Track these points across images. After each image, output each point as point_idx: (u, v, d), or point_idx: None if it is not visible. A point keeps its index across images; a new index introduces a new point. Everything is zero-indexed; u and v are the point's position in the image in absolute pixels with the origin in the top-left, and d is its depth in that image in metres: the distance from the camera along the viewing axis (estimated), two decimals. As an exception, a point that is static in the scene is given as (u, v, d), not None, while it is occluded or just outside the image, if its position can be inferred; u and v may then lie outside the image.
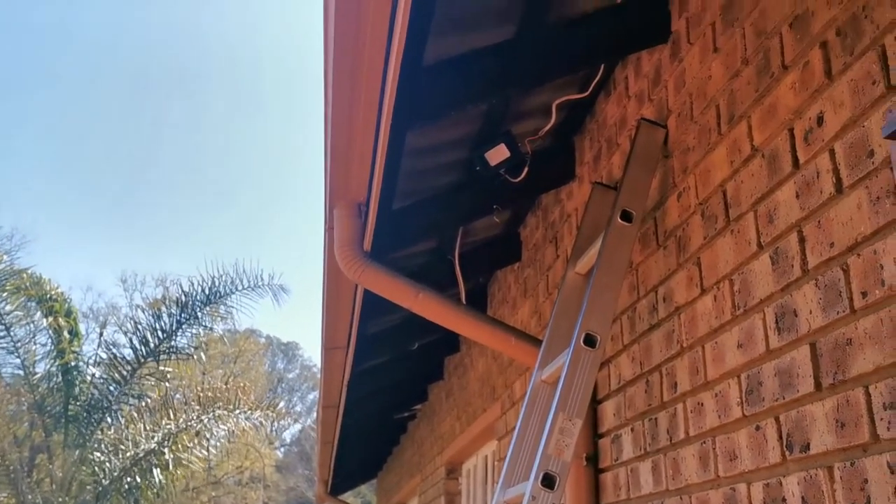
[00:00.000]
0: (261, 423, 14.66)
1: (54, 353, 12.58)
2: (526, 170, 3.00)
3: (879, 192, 1.37)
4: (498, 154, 2.87)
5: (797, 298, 1.60)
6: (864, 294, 1.39)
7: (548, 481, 1.94)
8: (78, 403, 12.58)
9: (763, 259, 1.75)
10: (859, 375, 1.39)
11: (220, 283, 12.62)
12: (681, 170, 2.23)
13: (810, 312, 1.55)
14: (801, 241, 1.60)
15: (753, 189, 1.81)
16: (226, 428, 13.96)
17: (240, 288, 12.74)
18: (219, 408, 13.57)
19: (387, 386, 6.25)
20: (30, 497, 12.12)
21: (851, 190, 1.45)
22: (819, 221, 1.55)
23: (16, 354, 12.60)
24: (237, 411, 13.85)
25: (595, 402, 2.79)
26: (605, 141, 2.85)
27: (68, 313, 13.10)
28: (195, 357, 13.98)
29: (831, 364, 1.48)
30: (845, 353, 1.44)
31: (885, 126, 1.12)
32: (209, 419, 13.38)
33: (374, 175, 2.46)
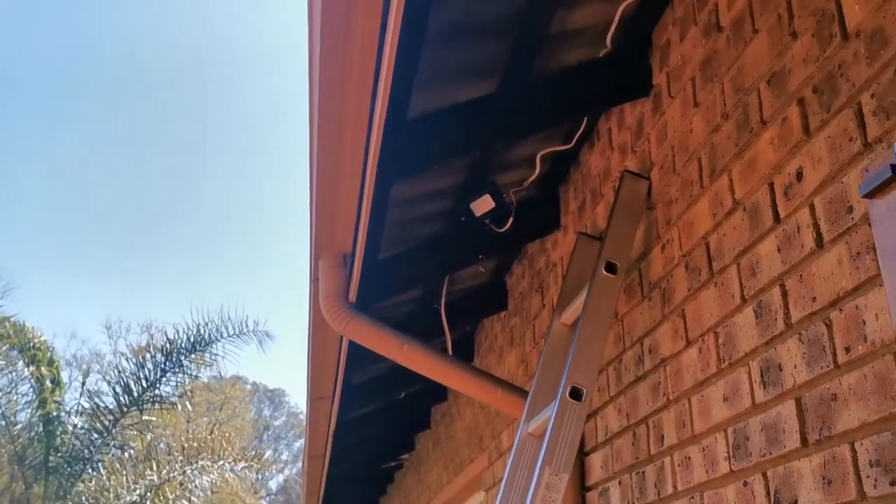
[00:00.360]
0: (245, 473, 14.43)
1: (36, 403, 12.38)
2: (511, 220, 3.01)
3: (860, 248, 1.37)
4: (483, 205, 2.88)
5: (781, 352, 1.60)
6: (847, 349, 1.39)
7: (534, 539, 1.90)
8: (59, 454, 12.35)
9: (747, 312, 1.75)
10: (845, 432, 1.39)
11: (205, 331, 12.53)
12: (664, 221, 2.24)
13: (795, 367, 1.55)
14: (784, 294, 1.61)
15: (736, 242, 1.82)
16: (210, 479, 13.72)
17: (225, 335, 12.65)
18: (203, 458, 13.35)
19: (373, 435, 6.18)
20: (7, 552, 11.80)
21: (832, 245, 1.46)
22: (801, 276, 1.55)
23: (-3, 404, 12.41)
24: (221, 462, 13.63)
25: (582, 454, 2.76)
26: (590, 191, 2.87)
27: (51, 362, 12.93)
28: (179, 406, 13.79)
29: (817, 420, 1.47)
30: (830, 409, 1.43)
31: (863, 185, 1.14)
32: (193, 470, 13.15)
33: (360, 226, 2.46)
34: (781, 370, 1.59)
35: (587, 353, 2.15)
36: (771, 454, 1.61)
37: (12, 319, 12.53)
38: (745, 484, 1.70)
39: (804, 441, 1.50)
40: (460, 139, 2.38)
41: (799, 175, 1.59)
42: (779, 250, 1.64)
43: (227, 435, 15.16)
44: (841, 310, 1.42)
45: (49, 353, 13.02)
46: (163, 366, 12.45)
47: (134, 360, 12.91)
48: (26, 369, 12.47)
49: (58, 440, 12.48)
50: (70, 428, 12.96)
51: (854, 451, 1.36)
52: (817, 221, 1.51)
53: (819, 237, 1.50)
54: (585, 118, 2.77)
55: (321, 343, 3.46)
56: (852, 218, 1.40)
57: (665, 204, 2.25)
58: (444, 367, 2.87)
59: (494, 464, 4.02)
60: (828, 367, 1.44)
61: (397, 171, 2.32)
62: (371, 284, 2.85)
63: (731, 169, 1.87)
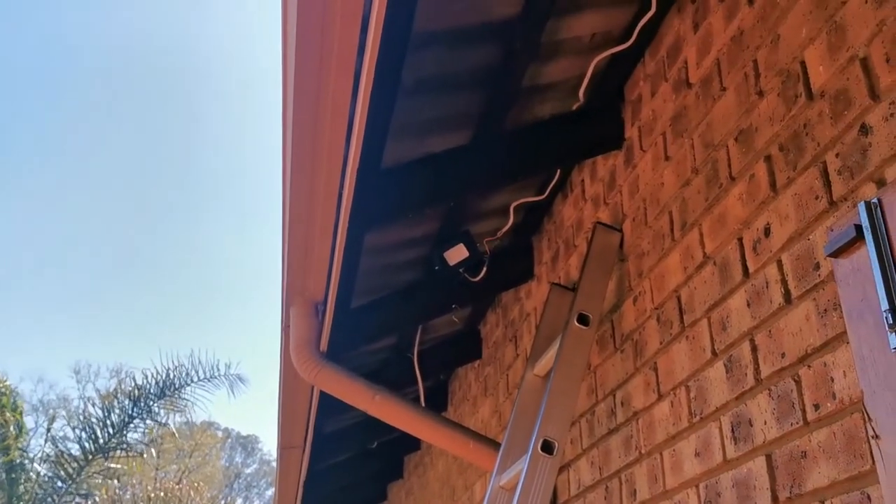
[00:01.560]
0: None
1: (-2, 450, 12.06)
2: (485, 269, 3.01)
3: (826, 305, 1.38)
4: (457, 254, 2.88)
5: (752, 408, 1.60)
6: (816, 406, 1.39)
7: None
8: (21, 503, 11.98)
9: (717, 366, 1.75)
10: (815, 490, 1.38)
11: (174, 375, 12.30)
12: (636, 273, 2.25)
13: (765, 423, 1.54)
14: (754, 349, 1.61)
15: (706, 296, 1.83)
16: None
17: (195, 379, 12.42)
18: (170, 508, 13.02)
19: (345, 485, 6.06)
20: None
21: (800, 301, 1.47)
22: (770, 331, 1.56)
23: (-42, 451, 12.06)
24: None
25: (555, 508, 2.72)
26: (563, 242, 2.89)
27: (14, 407, 12.63)
28: (146, 454, 13.47)
29: (787, 477, 1.46)
30: (800, 466, 1.42)
31: (827, 245, 1.15)
32: (159, 520, 12.81)
33: (332, 275, 2.45)
34: (752, 426, 1.59)
35: (559, 405, 2.13)
36: (742, 511, 1.59)
37: (-23, 363, 12.25)
38: (717, 541, 1.68)
39: (775, 498, 1.49)
40: (434, 189, 2.39)
41: (767, 231, 1.60)
42: (748, 305, 1.65)
43: (195, 484, 14.81)
44: (809, 366, 1.42)
45: (13, 398, 12.72)
46: (130, 412, 12.19)
47: (101, 406, 12.64)
48: (-10, 415, 12.16)
49: (21, 488, 12.12)
50: (34, 476, 12.60)
51: (824, 510, 1.35)
52: (785, 277, 1.52)
53: (787, 293, 1.51)
54: (559, 170, 2.80)
55: (292, 392, 3.41)
56: (819, 275, 1.41)
57: (637, 256, 2.26)
58: (416, 419, 2.84)
59: (467, 516, 3.95)
60: (797, 423, 1.44)
61: (370, 220, 2.31)
62: (343, 333, 2.83)
63: (702, 223, 1.89)
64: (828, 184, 1.42)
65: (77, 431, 12.26)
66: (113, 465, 12.58)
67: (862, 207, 1.08)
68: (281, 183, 2.32)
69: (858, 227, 1.08)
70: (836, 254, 1.13)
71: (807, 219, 1.47)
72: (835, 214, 1.38)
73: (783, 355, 1.50)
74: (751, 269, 1.65)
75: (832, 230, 1.14)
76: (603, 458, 2.35)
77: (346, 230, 2.19)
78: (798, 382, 1.45)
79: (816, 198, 1.45)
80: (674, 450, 1.92)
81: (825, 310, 1.39)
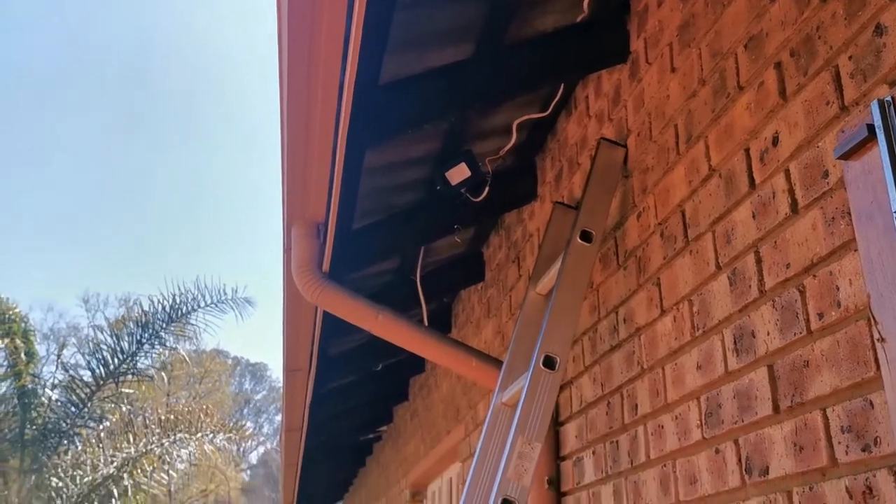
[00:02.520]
0: (225, 445, 14.42)
1: (10, 376, 12.25)
2: (487, 189, 2.98)
3: (834, 213, 1.35)
4: (459, 173, 2.84)
5: (755, 319, 1.59)
6: (820, 315, 1.38)
7: (507, 507, 1.89)
8: (35, 427, 12.26)
9: (721, 280, 1.73)
10: (817, 398, 1.38)
11: (181, 301, 12.41)
12: (640, 189, 2.22)
13: (768, 334, 1.53)
14: (759, 261, 1.59)
15: (711, 209, 1.80)
16: (188, 451, 13.69)
17: (203, 305, 12.53)
18: (181, 431, 13.31)
19: (351, 407, 6.17)
20: (-16, 525, 11.75)
21: (807, 210, 1.44)
22: (775, 242, 1.53)
23: (-31, 377, 12.28)
24: (199, 434, 13.60)
25: (557, 424, 2.76)
26: (567, 160, 2.84)
27: (25, 334, 12.79)
28: (156, 378, 13.71)
29: (789, 386, 1.46)
30: (803, 376, 1.42)
31: (838, 147, 1.11)
32: (171, 443, 13.11)
33: (332, 194, 2.42)
34: (755, 337, 1.58)
35: (561, 322, 2.13)
36: (743, 421, 1.60)
37: (-15, 291, 12.35)
38: (717, 451, 1.69)
39: (776, 408, 1.49)
40: (434, 105, 2.33)
41: (775, 140, 1.56)
42: (754, 217, 1.62)
43: (205, 408, 15.11)
44: (815, 276, 1.40)
45: (24, 325, 12.88)
46: (139, 338, 12.35)
47: (110, 333, 12.80)
48: (1, 342, 12.33)
49: (33, 413, 12.39)
50: (46, 401, 12.86)
51: (826, 418, 1.35)
52: (793, 187, 1.49)
53: (794, 203, 1.48)
54: (562, 85, 2.74)
55: (296, 314, 3.42)
56: (828, 182, 1.38)
57: (641, 172, 2.22)
58: (419, 338, 2.85)
59: (471, 435, 4.02)
60: (800, 333, 1.43)
61: (369, 137, 2.27)
62: (345, 254, 2.81)
63: (708, 135, 1.84)
64: (839, 88, 1.37)
65: (87, 358, 12.45)
66: (124, 391, 12.81)
67: (875, 106, 1.04)
68: (279, 101, 2.27)
69: (871, 127, 1.04)
70: (846, 155, 1.10)
71: (817, 126, 1.43)
72: (846, 119, 1.34)
73: (788, 266, 1.48)
74: (757, 180, 1.62)
75: (843, 131, 1.11)
76: (605, 374, 2.36)
77: (344, 148, 2.15)
78: (802, 292, 1.43)
79: (827, 103, 1.40)
80: (675, 364, 1.92)
81: (832, 218, 1.36)
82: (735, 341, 1.65)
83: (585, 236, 2.23)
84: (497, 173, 3.05)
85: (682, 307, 1.91)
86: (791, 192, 1.49)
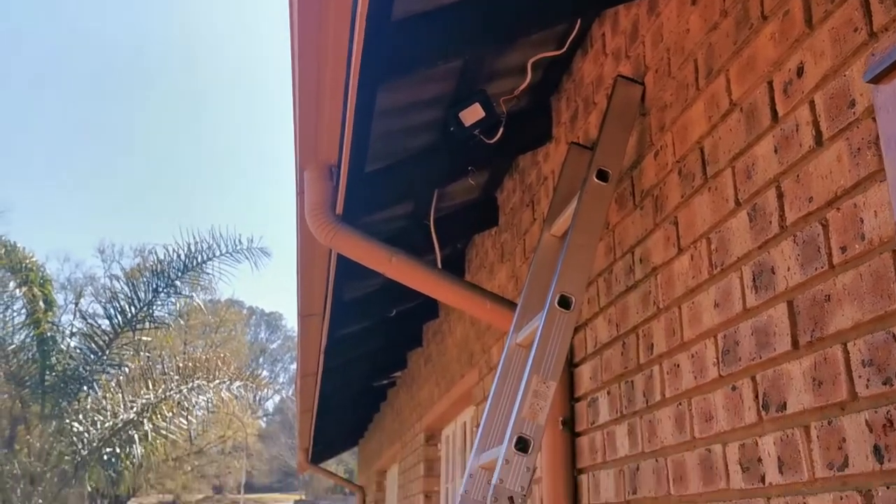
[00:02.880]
0: (241, 392, 14.62)
1: (29, 324, 12.42)
2: (501, 130, 2.93)
3: (860, 144, 1.32)
4: (473, 114, 2.80)
5: (775, 256, 1.56)
6: (843, 249, 1.35)
7: (521, 445, 1.90)
8: (54, 374, 12.46)
9: (741, 216, 1.70)
10: (838, 332, 1.36)
11: (196, 250, 12.47)
12: (658, 127, 2.18)
13: (788, 269, 1.51)
14: (780, 196, 1.56)
15: (731, 145, 1.76)
16: (206, 398, 13.91)
17: (218, 254, 12.59)
18: (199, 378, 13.50)
19: (365, 353, 6.21)
20: (7, 468, 12.03)
21: (831, 142, 1.40)
22: (798, 176, 1.50)
23: (-11, 325, 12.45)
24: (216, 381, 13.79)
25: (571, 366, 2.76)
26: (582, 100, 2.79)
27: (43, 282, 12.92)
28: (173, 326, 13.86)
29: (809, 322, 1.44)
30: (823, 310, 1.40)
31: (868, 70, 1.07)
32: (189, 389, 13.31)
33: (345, 135, 2.38)
34: (774, 273, 1.56)
35: (576, 261, 2.11)
36: (760, 358, 1.58)
37: (3, 240, 12.45)
38: (734, 388, 1.68)
39: (795, 343, 1.48)
40: (447, 40, 2.28)
41: (800, 71, 1.52)
42: (776, 151, 1.58)
43: (222, 356, 15.30)
44: (838, 209, 1.37)
45: (41, 274, 13.00)
46: (155, 286, 12.45)
47: (126, 282, 12.91)
48: (18, 290, 12.46)
49: (53, 359, 12.58)
50: (65, 348, 13.05)
51: (846, 352, 1.33)
52: (817, 118, 1.45)
53: (818, 134, 1.44)
54: (578, 22, 2.67)
55: (310, 257, 3.42)
56: (854, 112, 1.34)
57: (659, 109, 2.17)
58: (433, 280, 2.84)
59: (484, 378, 4.04)
60: (822, 267, 1.40)
61: (382, 74, 2.23)
62: (358, 196, 2.79)
63: (729, 69, 1.79)
64: (868, 14, 1.32)
65: (105, 306, 12.58)
66: (142, 338, 12.97)
67: (908, 27, 1.00)
68: (289, 39, 2.22)
69: (903, 49, 1.00)
70: (876, 79, 1.06)
71: (844, 54, 1.38)
72: (874, 46, 1.29)
73: (810, 199, 1.45)
74: (780, 113, 1.58)
75: (873, 55, 1.07)
76: (620, 315, 2.35)
77: (357, 85, 2.11)
78: (825, 226, 1.41)
79: (855, 30, 1.35)
80: (692, 302, 1.90)
81: (858, 149, 1.32)
82: (754, 278, 1.63)
83: (602, 175, 2.20)
84: (511, 115, 3.00)
85: (699, 245, 1.88)
86: (815, 123, 1.45)
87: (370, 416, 10.20)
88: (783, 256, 1.53)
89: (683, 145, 2.00)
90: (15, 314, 12.78)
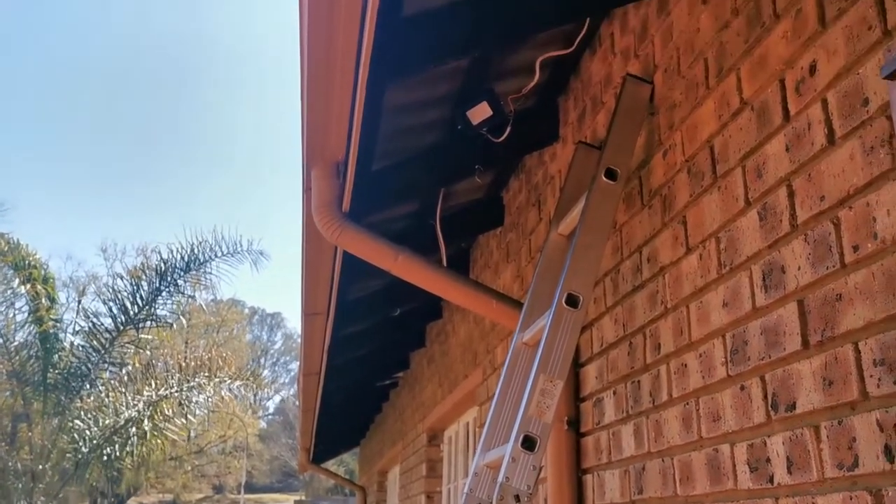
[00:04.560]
0: (242, 392, 14.63)
1: (32, 321, 12.43)
2: (509, 129, 2.93)
3: (874, 142, 1.31)
4: (480, 112, 2.79)
5: (785, 255, 1.56)
6: (855, 248, 1.35)
7: (528, 443, 1.89)
8: (57, 371, 12.47)
9: (750, 215, 1.70)
10: (848, 332, 1.35)
11: (198, 250, 12.49)
12: (667, 126, 2.17)
13: (798, 269, 1.51)
14: (791, 195, 1.55)
15: (742, 143, 1.76)
16: (207, 397, 13.91)
17: (219, 254, 12.61)
18: (200, 377, 13.50)
19: (368, 353, 6.20)
20: (9, 464, 12.04)
21: (844, 140, 1.40)
22: (809, 174, 1.50)
23: (-7, 322, 12.47)
24: (217, 380, 13.79)
25: (577, 366, 2.75)
26: (590, 99, 2.79)
27: (46, 280, 12.93)
28: (174, 325, 13.87)
29: (819, 321, 1.43)
30: (834, 310, 1.39)
31: (885, 66, 1.07)
32: (190, 388, 13.31)
33: (353, 132, 2.38)
34: (784, 273, 1.55)
35: (584, 260, 2.11)
36: (770, 357, 1.58)
37: (7, 237, 12.47)
38: (742, 388, 1.68)
39: (805, 343, 1.47)
40: (457, 38, 2.28)
41: (812, 69, 1.51)
42: (787, 149, 1.58)
43: (223, 355, 15.30)
44: (850, 207, 1.37)
45: (44, 272, 13.01)
46: (157, 285, 12.46)
47: (129, 280, 12.92)
48: (22, 287, 12.48)
49: (55, 357, 12.59)
50: (68, 346, 13.06)
51: (858, 351, 1.32)
52: (830, 117, 1.45)
53: (831, 133, 1.44)
54: (587, 21, 2.67)
55: (315, 255, 3.41)
56: (867, 111, 1.34)
57: (668, 108, 2.17)
58: (439, 279, 2.83)
59: (489, 379, 4.03)
60: (834, 267, 1.40)
61: (391, 71, 2.23)
62: (365, 194, 2.79)
63: (740, 67, 1.79)
64: (882, 11, 1.32)
65: (107, 304, 12.59)
66: (144, 337, 12.97)
67: (926, 23, 0.99)
68: (299, 36, 2.22)
69: (920, 45, 1.00)
70: (893, 76, 1.05)
71: (857, 52, 1.38)
72: (889, 44, 1.29)
73: (822, 198, 1.45)
74: (792, 112, 1.57)
75: (889, 51, 1.06)
76: (627, 314, 2.35)
77: (365, 82, 2.11)
78: (837, 225, 1.40)
79: (869, 28, 1.35)
80: (701, 302, 1.89)
81: (872, 147, 1.32)
82: (764, 277, 1.63)
83: (610, 174, 2.20)
84: (518, 114, 3.00)
85: (708, 245, 1.88)
86: (828, 122, 1.45)
87: (372, 416, 10.19)
88: (794, 255, 1.52)
89: (693, 144, 2.00)
90: (18, 311, 12.80)
